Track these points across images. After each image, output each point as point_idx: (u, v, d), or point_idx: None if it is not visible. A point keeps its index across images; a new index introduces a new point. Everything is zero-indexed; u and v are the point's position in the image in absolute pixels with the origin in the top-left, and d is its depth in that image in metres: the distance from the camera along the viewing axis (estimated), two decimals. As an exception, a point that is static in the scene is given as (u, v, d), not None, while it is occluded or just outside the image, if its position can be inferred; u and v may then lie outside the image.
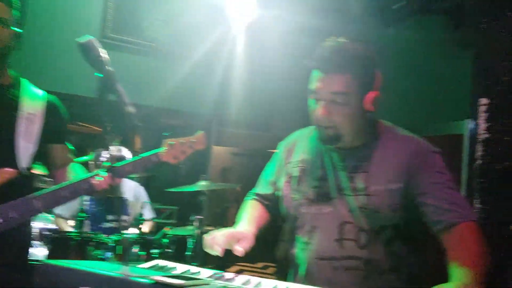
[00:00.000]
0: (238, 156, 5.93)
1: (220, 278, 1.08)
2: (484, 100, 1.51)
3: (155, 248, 2.52)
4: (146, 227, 3.01)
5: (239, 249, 1.20)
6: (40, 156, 1.76)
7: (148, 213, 3.05)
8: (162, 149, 1.76)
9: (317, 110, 1.25)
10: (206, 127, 4.36)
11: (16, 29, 1.68)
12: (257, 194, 1.51)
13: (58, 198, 1.57)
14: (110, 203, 2.86)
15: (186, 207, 3.77)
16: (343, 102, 1.22)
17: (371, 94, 1.24)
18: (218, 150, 6.39)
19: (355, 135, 1.28)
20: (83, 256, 2.16)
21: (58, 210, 3.00)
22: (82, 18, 3.38)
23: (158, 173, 4.11)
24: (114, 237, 2.30)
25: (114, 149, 2.97)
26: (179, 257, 2.55)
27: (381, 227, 1.25)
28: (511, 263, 1.30)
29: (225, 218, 4.54)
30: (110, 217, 2.95)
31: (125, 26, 3.50)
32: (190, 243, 2.68)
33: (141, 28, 3.56)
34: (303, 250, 1.34)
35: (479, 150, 1.51)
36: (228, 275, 1.13)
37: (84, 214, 2.36)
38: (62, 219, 2.97)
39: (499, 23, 1.47)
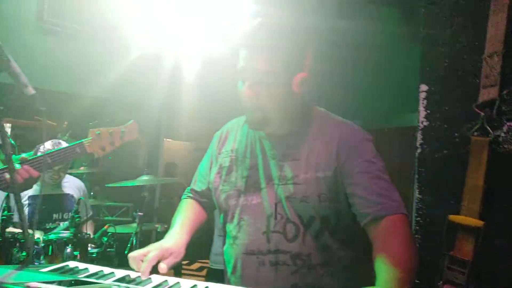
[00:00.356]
0: (198, 151, 5.80)
1: (132, 280, 0.99)
2: (423, 87, 1.47)
3: (95, 247, 2.37)
4: (90, 226, 2.84)
5: (162, 267, 1.09)
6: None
7: (85, 211, 2.87)
8: (87, 139, 1.64)
9: (243, 90, 1.15)
10: (156, 119, 4.22)
11: None
12: (192, 191, 1.40)
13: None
14: (54, 200, 2.67)
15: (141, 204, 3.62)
16: (268, 81, 1.12)
17: (300, 75, 1.13)
18: (174, 145, 6.23)
19: (284, 120, 1.19)
20: (6, 258, 1.99)
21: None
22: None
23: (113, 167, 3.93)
24: (45, 236, 2.13)
25: (50, 143, 2.78)
26: (120, 256, 2.41)
27: (310, 218, 1.17)
28: (450, 255, 1.25)
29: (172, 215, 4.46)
30: (55, 216, 2.77)
31: (62, 10, 3.25)
32: (130, 241, 2.54)
33: (79, 12, 3.33)
34: (231, 246, 1.25)
35: (419, 139, 1.47)
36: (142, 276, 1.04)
37: (6, 212, 2.16)
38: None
39: (437, 7, 1.43)
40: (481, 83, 1.30)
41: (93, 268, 1.05)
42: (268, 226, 1.17)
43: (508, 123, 1.27)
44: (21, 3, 3.14)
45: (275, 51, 1.11)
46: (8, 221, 2.18)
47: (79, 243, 2.25)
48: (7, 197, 2.31)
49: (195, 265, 6.00)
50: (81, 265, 1.07)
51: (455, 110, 1.39)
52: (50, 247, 2.10)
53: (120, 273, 1.02)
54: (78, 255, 2.18)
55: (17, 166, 1.47)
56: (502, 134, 1.28)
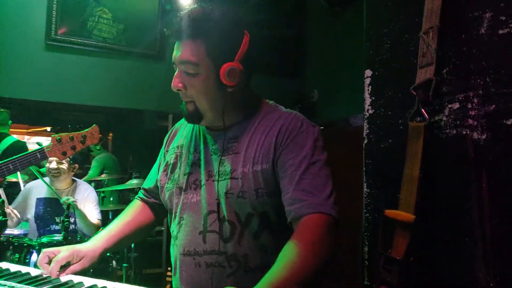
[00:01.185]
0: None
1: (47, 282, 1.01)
2: (367, 72, 1.36)
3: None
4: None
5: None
6: None
7: (94, 216, 2.99)
8: (48, 145, 1.70)
9: (172, 80, 1.14)
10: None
11: None
12: (143, 190, 1.41)
13: None
14: (58, 204, 2.81)
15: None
16: (193, 72, 1.10)
17: (227, 65, 1.09)
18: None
19: (217, 112, 1.15)
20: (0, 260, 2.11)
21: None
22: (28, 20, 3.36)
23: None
24: (38, 240, 2.25)
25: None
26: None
27: (248, 215, 1.11)
28: (384, 253, 1.14)
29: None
30: (58, 219, 2.92)
31: (70, 27, 3.46)
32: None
33: (86, 29, 3.52)
34: (172, 246, 1.23)
35: (365, 129, 1.35)
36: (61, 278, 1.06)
37: (1, 218, 2.31)
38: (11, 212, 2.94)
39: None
40: (418, 62, 1.18)
41: (23, 270, 1.09)
42: (205, 225, 1.13)
43: (449, 105, 1.14)
44: (30, 22, 3.35)
45: (199, 41, 1.09)
46: (2, 226, 2.34)
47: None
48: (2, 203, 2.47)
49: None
50: (13, 267, 1.11)
51: (398, 95, 1.27)
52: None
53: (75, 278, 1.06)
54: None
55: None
56: (444, 118, 1.15)
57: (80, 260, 1.14)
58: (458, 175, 1.10)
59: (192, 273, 1.14)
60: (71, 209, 2.49)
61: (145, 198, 1.39)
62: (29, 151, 1.68)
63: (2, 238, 2.24)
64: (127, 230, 1.30)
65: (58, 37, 3.40)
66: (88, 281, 1.02)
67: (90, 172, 5.01)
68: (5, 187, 3.72)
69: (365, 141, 1.35)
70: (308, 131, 1.15)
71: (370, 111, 1.34)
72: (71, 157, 2.97)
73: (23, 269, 1.10)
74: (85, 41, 3.52)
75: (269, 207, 1.12)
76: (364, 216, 1.38)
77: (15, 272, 1.07)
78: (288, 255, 0.95)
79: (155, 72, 3.62)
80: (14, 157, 1.66)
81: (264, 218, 1.12)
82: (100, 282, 1.01)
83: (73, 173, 3.11)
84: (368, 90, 1.35)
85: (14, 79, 3.30)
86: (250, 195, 1.10)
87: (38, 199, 2.97)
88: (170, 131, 1.39)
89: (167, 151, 1.33)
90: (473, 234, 1.06)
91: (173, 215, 1.24)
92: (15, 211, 2.86)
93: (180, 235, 1.20)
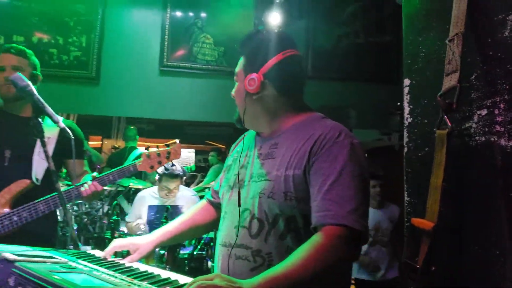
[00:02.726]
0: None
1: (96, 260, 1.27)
2: (406, 81, 1.36)
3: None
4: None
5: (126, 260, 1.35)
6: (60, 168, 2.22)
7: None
8: (139, 160, 2.03)
9: None
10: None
11: (36, 72, 2.17)
12: (211, 191, 1.59)
13: (58, 202, 1.96)
14: (166, 211, 3.24)
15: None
16: (236, 81, 1.36)
17: (249, 75, 1.29)
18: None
19: (249, 116, 1.33)
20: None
21: (128, 218, 3.56)
22: (145, 50, 3.98)
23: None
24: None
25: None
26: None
27: (276, 216, 1.19)
28: (407, 262, 1.14)
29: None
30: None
31: (179, 54, 3.97)
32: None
33: (192, 54, 3.99)
34: (217, 237, 1.39)
35: (405, 137, 1.35)
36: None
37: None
38: (131, 223, 3.47)
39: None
40: (445, 70, 1.16)
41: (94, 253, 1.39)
42: (240, 220, 1.26)
43: (478, 112, 1.11)
44: (146, 52, 3.96)
45: (243, 58, 1.36)
46: (116, 224, 2.81)
47: (170, 246, 2.71)
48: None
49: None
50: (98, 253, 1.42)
51: (433, 103, 1.26)
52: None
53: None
54: (166, 253, 2.63)
55: (89, 181, 1.97)
56: (473, 125, 1.12)
57: (136, 251, 1.39)
58: (487, 184, 1.06)
59: (226, 262, 1.27)
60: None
61: (211, 198, 1.57)
62: (124, 165, 2.04)
63: (116, 236, 2.70)
64: (182, 228, 1.49)
65: (170, 63, 3.94)
66: (183, 279, 1.13)
67: (206, 179, 5.56)
68: (132, 193, 4.41)
69: (405, 150, 1.36)
70: (343, 142, 1.18)
71: (409, 120, 1.34)
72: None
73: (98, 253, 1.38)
74: (192, 65, 3.99)
75: (297, 211, 1.17)
76: (405, 225, 1.37)
77: (100, 258, 1.36)
78: (294, 255, 1.01)
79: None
80: (112, 170, 2.03)
81: (290, 221, 1.18)
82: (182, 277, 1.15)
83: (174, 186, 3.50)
84: (406, 99, 1.36)
85: (134, 101, 3.93)
86: (279, 197, 1.18)
87: (149, 206, 3.44)
88: (238, 139, 1.57)
89: (229, 155, 1.52)
90: (502, 245, 1.01)
91: (222, 211, 1.41)
92: (139, 222, 3.34)
93: (222, 227, 1.35)
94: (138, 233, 3.29)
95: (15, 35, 3.92)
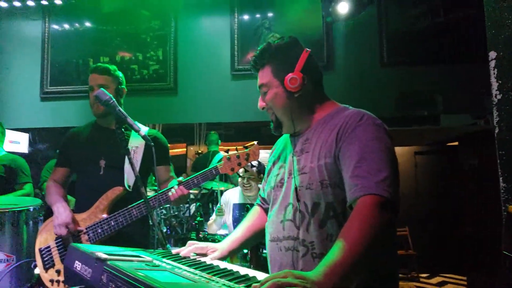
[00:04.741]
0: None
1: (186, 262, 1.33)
2: (492, 54, 1.22)
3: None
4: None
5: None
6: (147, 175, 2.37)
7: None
8: (220, 163, 2.09)
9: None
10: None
11: (121, 87, 2.35)
12: (260, 197, 1.66)
13: (149, 206, 2.08)
14: (246, 210, 3.31)
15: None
16: (267, 90, 1.40)
17: (288, 75, 1.34)
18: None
19: (289, 117, 1.38)
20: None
21: (213, 216, 3.70)
22: (217, 56, 4.11)
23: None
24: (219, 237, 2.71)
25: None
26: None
27: (315, 205, 1.26)
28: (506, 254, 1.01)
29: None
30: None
31: (249, 56, 4.02)
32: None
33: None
34: (265, 235, 1.45)
35: (495, 116, 1.21)
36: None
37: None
38: (212, 224, 3.61)
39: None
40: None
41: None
42: (284, 215, 1.35)
43: None
44: (217, 58, 4.09)
45: (267, 67, 1.41)
46: (200, 225, 2.92)
47: (253, 246, 2.75)
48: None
49: (436, 279, 5.65)
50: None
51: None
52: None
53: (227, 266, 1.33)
54: (249, 252, 2.67)
55: (176, 186, 2.07)
56: None
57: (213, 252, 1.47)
58: None
59: (276, 256, 1.36)
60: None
61: (261, 204, 1.65)
62: (207, 168, 2.11)
63: (201, 235, 2.80)
64: (248, 234, 1.57)
65: (241, 66, 4.01)
66: (261, 275, 1.16)
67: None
68: (216, 195, 4.57)
69: (497, 130, 1.22)
70: (367, 123, 1.23)
71: (498, 97, 1.20)
72: (257, 169, 3.47)
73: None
74: (261, 66, 4.02)
75: (333, 197, 1.24)
76: (503, 213, 1.23)
77: (182, 256, 1.43)
78: (339, 241, 1.03)
79: (325, 83, 3.83)
80: (196, 173, 2.12)
81: (329, 208, 1.25)
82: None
83: (260, 183, 3.59)
84: (494, 73, 1.22)
85: (210, 107, 4.07)
86: (316, 187, 1.26)
87: (234, 204, 3.56)
88: (273, 146, 1.64)
89: (268, 162, 1.60)
90: None
91: (269, 210, 1.48)
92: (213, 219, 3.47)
93: (268, 224, 1.43)
94: (215, 230, 3.42)
95: (102, 56, 4.30)
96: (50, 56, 4.39)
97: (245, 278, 1.10)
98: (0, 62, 4.53)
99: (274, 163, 1.52)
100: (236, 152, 2.11)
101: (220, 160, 2.17)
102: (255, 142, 2.12)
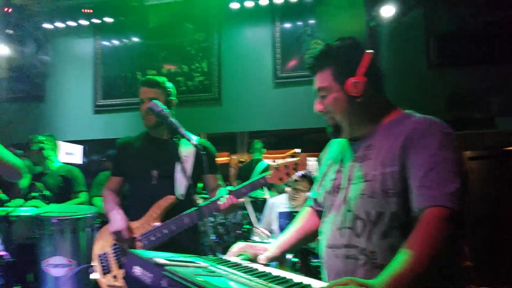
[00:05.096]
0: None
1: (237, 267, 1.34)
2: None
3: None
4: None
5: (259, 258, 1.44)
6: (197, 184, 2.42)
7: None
8: (268, 173, 2.10)
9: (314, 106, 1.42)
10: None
11: (170, 98, 2.43)
12: (312, 199, 1.64)
13: (200, 215, 2.13)
14: (293, 218, 3.28)
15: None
16: (326, 94, 1.35)
17: (350, 80, 1.30)
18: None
19: (351, 121, 1.34)
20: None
21: (258, 225, 3.70)
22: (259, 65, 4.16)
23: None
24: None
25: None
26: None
27: (378, 214, 1.22)
28: None
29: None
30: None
31: (291, 64, 4.04)
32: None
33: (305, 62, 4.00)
34: (321, 240, 1.43)
35: None
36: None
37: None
38: (260, 232, 3.59)
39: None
40: None
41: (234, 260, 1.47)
42: (343, 222, 1.31)
43: None
44: (259, 67, 4.13)
45: (327, 69, 1.36)
46: (249, 233, 2.93)
47: (301, 253, 2.73)
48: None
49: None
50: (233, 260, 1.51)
51: None
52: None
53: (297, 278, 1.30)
54: (299, 262, 2.65)
55: (226, 195, 2.09)
56: None
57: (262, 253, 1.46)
58: None
59: (333, 263, 1.32)
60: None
61: (313, 206, 1.62)
62: (255, 178, 2.12)
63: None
64: (299, 236, 1.55)
65: (283, 74, 4.04)
66: (316, 283, 1.14)
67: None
68: (260, 203, 4.59)
69: None
70: (435, 132, 1.19)
71: None
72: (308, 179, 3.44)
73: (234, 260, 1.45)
74: (305, 73, 4.00)
75: (398, 207, 1.19)
76: None
77: (235, 263, 1.44)
78: (404, 251, 1.01)
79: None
80: (245, 183, 2.13)
81: (393, 218, 1.20)
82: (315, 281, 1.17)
83: (307, 192, 3.54)
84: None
85: (254, 116, 4.12)
86: (379, 196, 1.21)
87: (279, 213, 3.53)
88: (324, 148, 1.61)
89: (321, 164, 1.57)
90: None
91: (323, 216, 1.45)
92: (263, 230, 3.47)
93: (325, 230, 1.40)
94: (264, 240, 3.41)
95: (149, 70, 4.47)
96: (101, 71, 4.63)
97: (301, 286, 1.10)
98: (55, 78, 4.83)
99: (329, 166, 1.48)
100: (283, 161, 2.10)
101: (265, 169, 2.17)
102: (296, 150, 2.11)
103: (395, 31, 3.84)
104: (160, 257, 1.24)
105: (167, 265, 1.15)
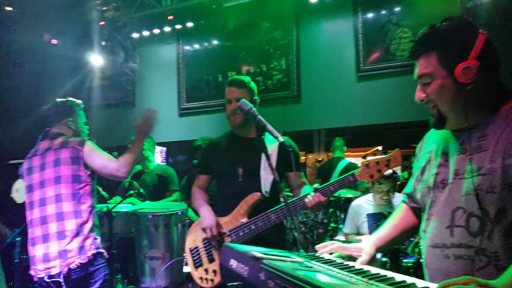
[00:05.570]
0: None
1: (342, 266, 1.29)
2: None
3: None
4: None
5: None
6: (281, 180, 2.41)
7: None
8: (358, 170, 2.02)
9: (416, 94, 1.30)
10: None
11: (254, 98, 2.45)
12: (405, 194, 1.54)
13: (286, 212, 2.12)
14: (384, 218, 3.14)
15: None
16: (430, 81, 1.23)
17: (461, 64, 1.16)
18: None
19: (458, 111, 1.22)
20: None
21: (345, 229, 3.60)
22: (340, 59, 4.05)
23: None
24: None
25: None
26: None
27: (499, 211, 1.10)
28: None
29: None
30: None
31: (375, 56, 3.87)
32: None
33: (390, 52, 3.82)
34: (422, 239, 1.34)
35: None
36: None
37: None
38: (351, 235, 3.49)
39: None
40: None
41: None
42: (452, 220, 1.21)
43: None
44: (341, 61, 4.02)
45: (431, 54, 1.23)
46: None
47: (391, 253, 2.61)
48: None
49: None
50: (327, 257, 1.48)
51: None
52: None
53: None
54: (388, 261, 2.53)
55: (312, 193, 2.06)
56: None
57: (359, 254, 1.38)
58: None
59: (441, 263, 1.21)
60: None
61: (407, 202, 1.51)
62: (344, 175, 2.05)
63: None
64: (396, 233, 1.46)
65: (366, 67, 3.89)
66: (420, 283, 1.09)
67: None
68: (342, 202, 4.47)
69: None
70: None
71: None
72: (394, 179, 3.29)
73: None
74: (390, 64, 3.84)
75: None
76: None
77: (330, 259, 1.40)
78: None
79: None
80: (332, 180, 2.07)
81: None
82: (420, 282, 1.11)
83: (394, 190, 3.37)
84: None
85: (334, 112, 4.02)
86: (500, 190, 1.10)
87: (368, 215, 3.39)
88: (421, 140, 1.48)
89: (419, 158, 1.44)
90: None
91: (424, 212, 1.34)
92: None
93: (429, 229, 1.29)
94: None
95: (229, 71, 4.59)
96: (184, 75, 4.86)
97: (404, 284, 1.04)
98: (142, 84, 5.16)
99: (429, 160, 1.37)
100: (375, 158, 2.01)
101: (348, 168, 2.10)
102: (397, 149, 2.01)
103: (497, 10, 3.49)
104: (255, 251, 1.25)
105: (264, 258, 1.15)
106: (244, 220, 2.20)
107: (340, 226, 3.61)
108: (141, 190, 3.32)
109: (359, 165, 2.04)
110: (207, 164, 2.51)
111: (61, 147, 2.40)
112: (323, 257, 1.43)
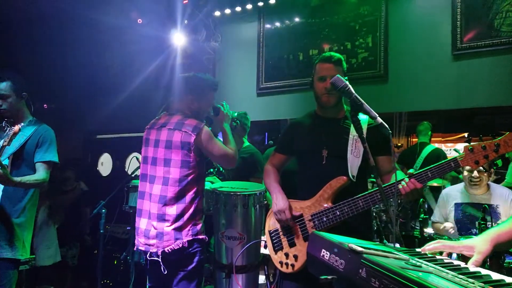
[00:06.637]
0: None
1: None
2: None
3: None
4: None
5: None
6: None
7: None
8: (461, 155, 1.80)
9: None
10: None
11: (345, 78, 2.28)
12: None
13: (375, 199, 1.97)
14: (483, 211, 2.83)
15: None
16: None
17: None
18: None
19: None
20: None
21: (433, 217, 3.34)
22: (434, 35, 3.67)
23: None
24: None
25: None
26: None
27: None
28: None
29: None
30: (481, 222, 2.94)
31: (475, 32, 3.45)
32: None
33: (494, 28, 3.36)
34: None
35: None
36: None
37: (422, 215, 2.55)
38: (438, 224, 3.24)
39: None
40: None
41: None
42: None
43: None
44: (436, 39, 3.65)
45: None
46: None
47: (494, 252, 2.33)
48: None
49: None
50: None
51: None
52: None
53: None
54: (488, 260, 2.26)
55: (406, 179, 1.88)
56: None
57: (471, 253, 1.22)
58: None
59: None
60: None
61: None
62: (444, 160, 1.84)
63: (425, 235, 2.51)
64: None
65: (464, 45, 3.49)
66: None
67: (507, 178, 4.67)
68: (427, 191, 4.15)
69: None
70: None
71: None
72: (493, 167, 2.97)
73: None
74: (493, 41, 3.40)
75: None
76: None
77: (434, 257, 1.24)
78: None
79: None
80: (431, 166, 1.86)
81: None
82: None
83: (490, 179, 3.07)
84: None
85: (426, 93, 3.68)
86: None
87: (456, 204, 3.12)
88: None
89: None
90: None
91: None
92: (448, 227, 3.10)
93: None
94: (447, 236, 3.04)
95: (311, 49, 4.40)
96: (264, 54, 4.76)
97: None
98: (222, 63, 5.16)
99: None
100: (481, 142, 1.77)
101: (433, 155, 1.87)
102: (508, 132, 1.74)
103: None
104: (351, 243, 1.13)
105: (364, 253, 1.03)
106: (328, 205, 2.07)
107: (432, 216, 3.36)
108: (221, 169, 3.32)
109: (462, 150, 1.82)
110: (288, 142, 2.40)
111: (175, 129, 2.40)
112: (426, 254, 1.28)
